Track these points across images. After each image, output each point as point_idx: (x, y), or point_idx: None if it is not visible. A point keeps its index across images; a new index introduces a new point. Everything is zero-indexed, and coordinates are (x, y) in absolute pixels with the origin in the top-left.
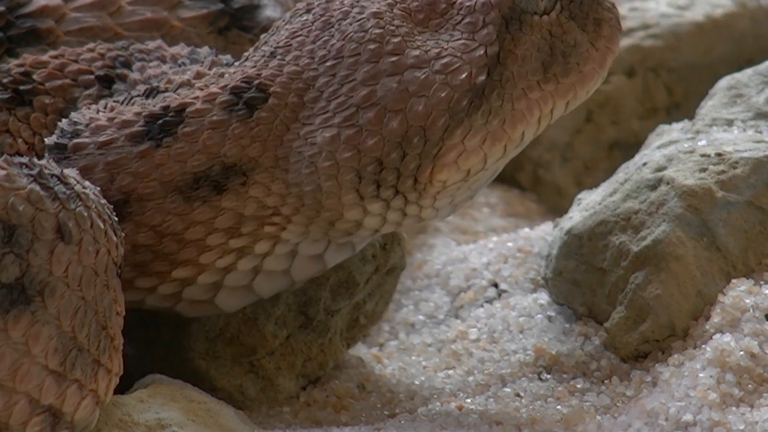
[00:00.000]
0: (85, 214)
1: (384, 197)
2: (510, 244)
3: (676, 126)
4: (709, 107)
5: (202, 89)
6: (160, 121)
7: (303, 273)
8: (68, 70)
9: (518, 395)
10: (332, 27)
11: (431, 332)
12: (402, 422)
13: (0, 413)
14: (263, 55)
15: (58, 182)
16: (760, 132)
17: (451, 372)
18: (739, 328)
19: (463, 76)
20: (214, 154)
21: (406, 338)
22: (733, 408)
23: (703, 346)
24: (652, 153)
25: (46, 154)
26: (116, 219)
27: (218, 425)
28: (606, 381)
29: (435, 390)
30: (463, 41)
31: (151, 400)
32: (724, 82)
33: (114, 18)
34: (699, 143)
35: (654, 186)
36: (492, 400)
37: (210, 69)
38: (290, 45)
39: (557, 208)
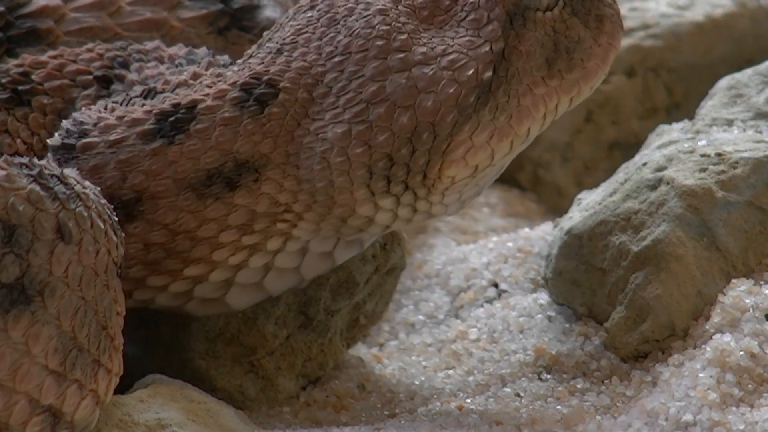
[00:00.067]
0: (85, 214)
1: (394, 193)
2: (510, 244)
3: (676, 126)
4: (709, 107)
5: (210, 86)
6: (172, 119)
7: (313, 270)
8: (67, 71)
9: (518, 395)
10: (338, 23)
11: (431, 332)
12: (402, 422)
13: (0, 413)
14: (269, 52)
15: (58, 182)
16: (760, 132)
17: (451, 372)
18: (739, 328)
19: (470, 72)
20: (227, 151)
21: (406, 338)
22: (733, 408)
23: (703, 346)
24: (652, 153)
25: (50, 155)
26: (116, 219)
27: (218, 425)
28: (606, 381)
29: (435, 390)
30: (468, 38)
31: (151, 400)
32: (724, 82)
33: (114, 18)
34: (699, 143)
35: (654, 186)
36: (492, 400)
37: (207, 69)
38: (296, 41)
39: (557, 208)
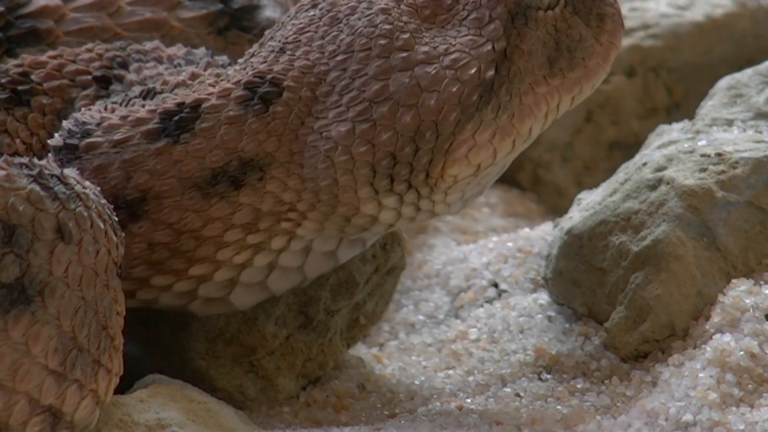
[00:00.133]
0: (85, 214)
1: (397, 191)
2: (510, 244)
3: (676, 126)
4: (709, 107)
5: (213, 85)
6: (176, 118)
7: (316, 269)
8: (66, 71)
9: (518, 395)
10: (340, 22)
11: (431, 332)
12: (402, 422)
13: (0, 413)
14: (272, 51)
15: (58, 182)
16: (760, 132)
17: (451, 372)
18: (739, 328)
19: (473, 71)
20: (232, 150)
21: (406, 338)
22: (733, 408)
23: (703, 346)
24: (652, 153)
25: (52, 156)
26: (116, 219)
27: (218, 425)
28: (606, 381)
29: (435, 390)
30: (470, 37)
31: (151, 400)
32: (724, 82)
33: (113, 18)
34: (699, 143)
35: (654, 186)
36: (492, 400)
37: (205, 70)
38: (299, 40)
39: (557, 208)
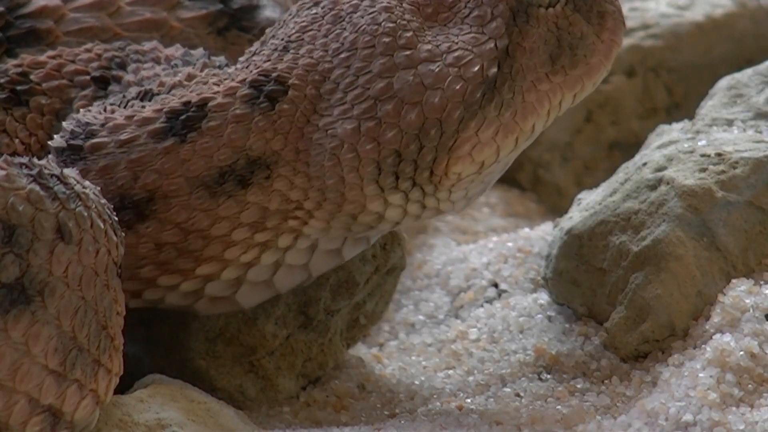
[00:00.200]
0: (85, 213)
1: (402, 189)
2: (510, 244)
3: (676, 126)
4: (709, 107)
5: (217, 84)
6: (183, 117)
7: (321, 267)
8: (65, 71)
9: (518, 395)
10: (343, 20)
11: (431, 332)
12: (402, 422)
13: (0, 413)
14: (275, 49)
15: (58, 182)
16: (760, 132)
17: (451, 372)
18: (739, 328)
19: (476, 68)
20: (239, 148)
21: (406, 338)
22: (733, 408)
23: (703, 346)
24: (652, 153)
25: (54, 157)
26: (116, 219)
27: (218, 425)
28: (606, 381)
29: (435, 390)
30: (472, 34)
31: (151, 400)
32: (724, 82)
33: (113, 18)
34: (699, 143)
35: (654, 186)
36: (492, 400)
37: (202, 71)
38: (302, 39)
39: (557, 208)
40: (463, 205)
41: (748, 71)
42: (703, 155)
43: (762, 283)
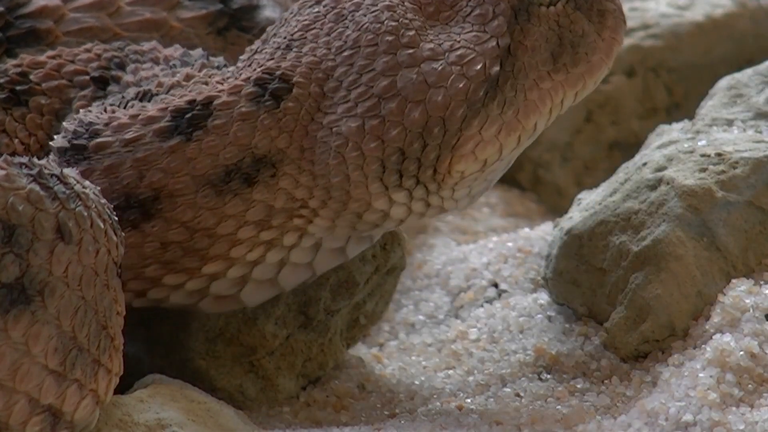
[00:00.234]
0: (85, 213)
1: (406, 187)
2: (510, 244)
3: (676, 126)
4: (709, 107)
5: (221, 83)
6: (188, 115)
7: (325, 265)
8: (65, 71)
9: (518, 395)
10: (345, 19)
11: (431, 332)
12: (402, 422)
13: (0, 413)
14: (278, 47)
15: (58, 182)
16: (760, 132)
17: (451, 372)
18: (739, 328)
19: (478, 66)
20: (245, 146)
21: (406, 338)
22: (733, 408)
23: (703, 346)
24: (652, 153)
25: (55, 157)
26: (116, 218)
27: (218, 425)
28: (606, 381)
29: (435, 390)
30: (474, 33)
31: (151, 400)
32: (724, 82)
33: (113, 18)
34: (699, 143)
35: (654, 186)
36: (492, 400)
37: (200, 71)
38: (305, 37)
39: (557, 208)
40: (467, 203)
41: (748, 71)
42: (703, 155)
43: (762, 283)
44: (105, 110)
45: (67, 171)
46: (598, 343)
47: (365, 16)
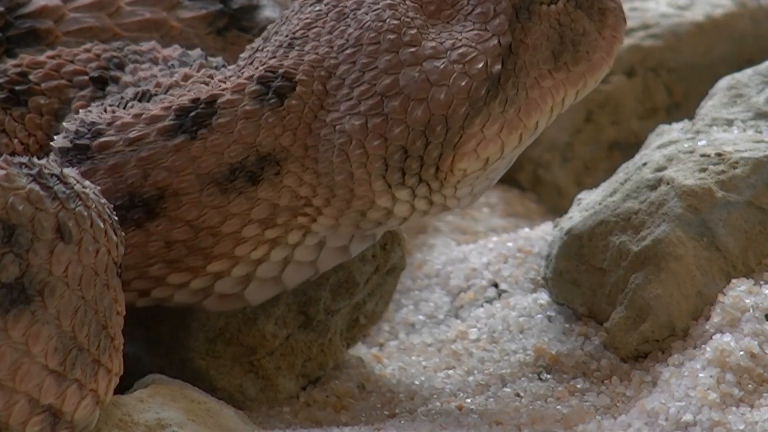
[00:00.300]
0: (85, 213)
1: (409, 185)
2: (510, 244)
3: (676, 126)
4: (709, 107)
5: (223, 81)
6: (193, 114)
7: (328, 263)
8: (64, 71)
9: (518, 395)
10: (347, 17)
11: (431, 332)
12: (402, 422)
13: (0, 413)
14: (280, 45)
15: (58, 182)
16: (760, 132)
17: (451, 372)
18: (739, 328)
19: (480, 65)
20: (250, 144)
21: (406, 338)
22: (733, 408)
23: (703, 346)
24: (652, 153)
25: (57, 157)
26: (116, 218)
27: (218, 425)
28: (606, 381)
29: (435, 390)
30: (475, 31)
31: (151, 400)
32: (724, 82)
33: (113, 18)
34: (699, 143)
35: (654, 186)
36: (492, 400)
37: (198, 71)
38: (307, 36)
39: (557, 208)
40: (469, 201)
41: (748, 71)
42: (703, 155)
43: (762, 283)
44: (105, 110)
45: (67, 171)
46: (598, 343)
47: (367, 14)
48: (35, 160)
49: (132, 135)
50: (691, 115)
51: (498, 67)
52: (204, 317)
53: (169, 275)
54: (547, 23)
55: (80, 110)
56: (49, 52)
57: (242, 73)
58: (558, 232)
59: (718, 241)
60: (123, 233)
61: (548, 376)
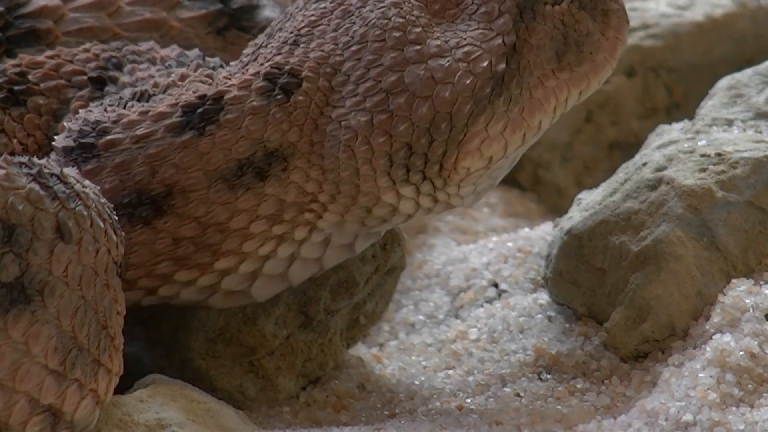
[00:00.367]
0: (85, 213)
1: (413, 182)
2: (510, 244)
3: (676, 126)
4: (709, 107)
5: (228, 78)
6: (200, 110)
7: (333, 259)
8: (63, 71)
9: (518, 395)
10: (352, 15)
11: (431, 332)
12: (402, 422)
13: (0, 413)
14: (285, 42)
15: (58, 181)
16: (760, 132)
17: (451, 372)
18: (739, 328)
19: (485, 63)
20: (257, 140)
21: (406, 338)
22: (733, 408)
23: (703, 346)
24: (652, 153)
25: (60, 157)
26: (116, 218)
27: (218, 425)
28: (606, 381)
29: (435, 390)
30: (480, 30)
31: (151, 400)
32: (724, 82)
33: (113, 18)
34: (699, 143)
35: (654, 186)
36: (492, 400)
37: (195, 71)
38: (312, 33)
39: (557, 208)
40: (472, 200)
41: (748, 71)
42: (703, 155)
43: (762, 283)
44: (106, 110)
45: (66, 170)
46: (598, 343)
47: (372, 12)
48: (35, 159)
49: (139, 132)
50: (691, 115)
51: (502, 66)
52: (204, 317)
53: (177, 273)
54: (551, 23)
55: (80, 110)
56: (48, 52)
57: (247, 69)
58: (558, 232)
59: (718, 241)
60: (123, 233)
61: (548, 376)
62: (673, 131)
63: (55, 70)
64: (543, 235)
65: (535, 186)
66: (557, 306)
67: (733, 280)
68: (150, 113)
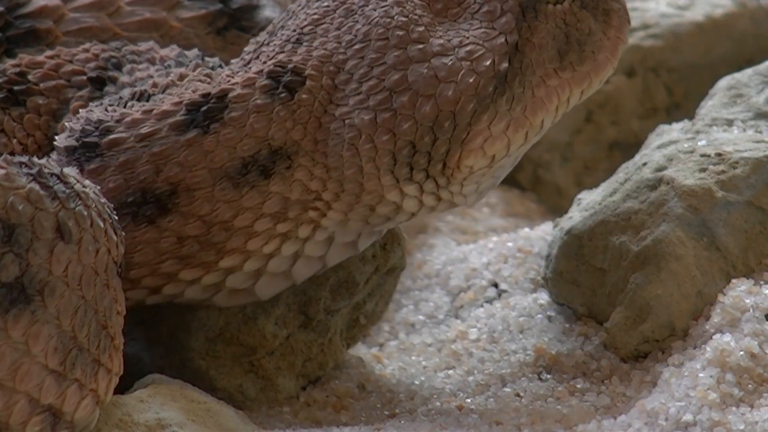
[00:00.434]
0: (85, 213)
1: (417, 180)
2: (510, 244)
3: (676, 126)
4: (709, 107)
5: (231, 76)
6: (204, 108)
7: (336, 258)
8: (63, 71)
9: (518, 395)
10: (355, 14)
11: (431, 332)
12: (402, 422)
13: (0, 413)
14: (287, 40)
15: (58, 181)
16: (760, 132)
17: (451, 372)
18: (739, 328)
19: (488, 62)
20: (262, 138)
21: (406, 338)
22: (733, 408)
23: (703, 346)
24: (652, 153)
25: (62, 157)
26: (116, 218)
27: (218, 425)
28: (606, 381)
29: (435, 390)
30: (483, 30)
31: (151, 400)
32: (724, 82)
33: (113, 18)
34: (699, 143)
35: (654, 186)
36: (492, 400)
37: (194, 71)
38: (315, 31)
39: (557, 208)
40: (475, 199)
41: (748, 71)
42: (703, 155)
43: (762, 283)
44: (107, 109)
45: (66, 170)
46: (598, 343)
47: (375, 11)
48: (35, 159)
49: (143, 131)
50: (691, 115)
51: (505, 65)
52: (204, 317)
53: (182, 271)
54: (553, 23)
55: (80, 110)
56: (48, 52)
57: (250, 67)
58: (558, 232)
59: (718, 241)
60: (123, 233)
61: (548, 376)
62: (673, 131)
63: (54, 70)
64: (543, 235)
65: (535, 186)
66: (557, 306)
67: (733, 280)
68: (154, 112)
